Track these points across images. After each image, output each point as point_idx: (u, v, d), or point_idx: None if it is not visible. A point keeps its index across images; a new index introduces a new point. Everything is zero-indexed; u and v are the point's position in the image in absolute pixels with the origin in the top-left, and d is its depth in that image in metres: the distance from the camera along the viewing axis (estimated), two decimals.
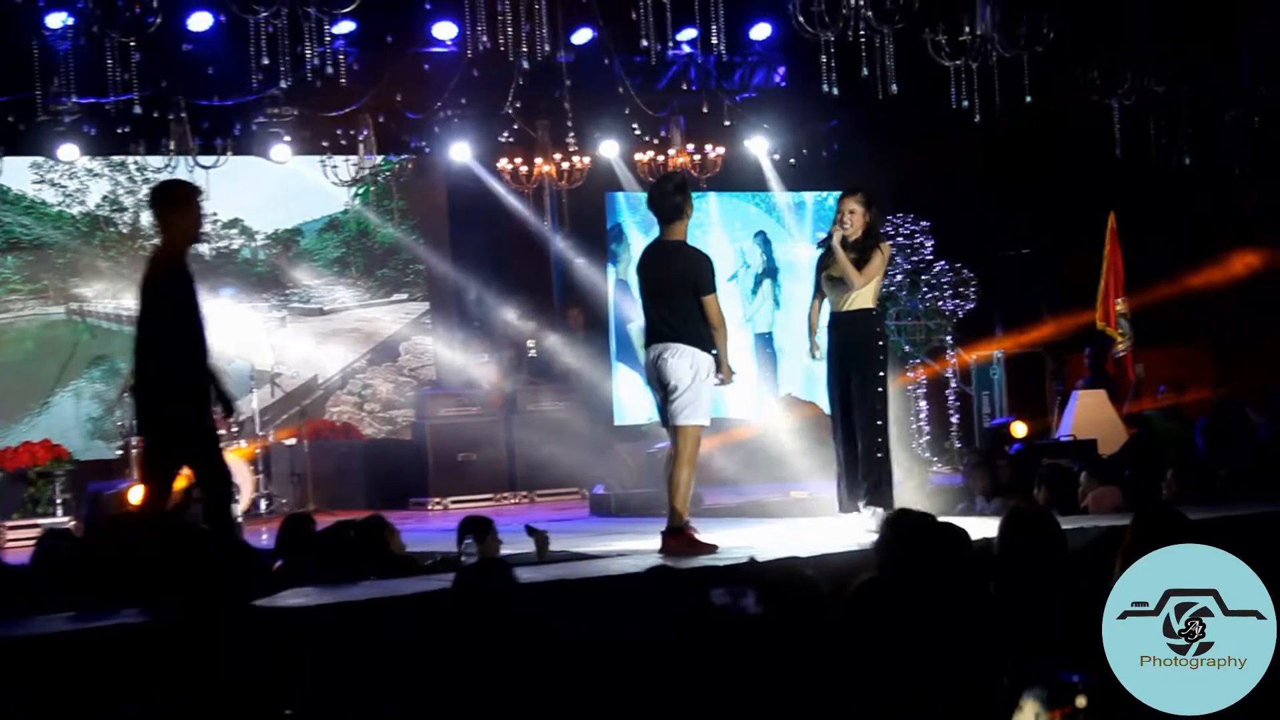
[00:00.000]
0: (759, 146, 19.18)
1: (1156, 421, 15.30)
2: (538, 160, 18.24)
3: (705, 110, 18.22)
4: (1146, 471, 10.54)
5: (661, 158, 18.64)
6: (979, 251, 18.01)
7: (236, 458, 15.54)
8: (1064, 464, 11.51)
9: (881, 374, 9.54)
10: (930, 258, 17.48)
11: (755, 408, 18.50)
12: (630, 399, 18.67)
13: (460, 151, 18.08)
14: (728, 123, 18.49)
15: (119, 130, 15.82)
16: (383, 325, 19.29)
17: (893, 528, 5.76)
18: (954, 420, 17.61)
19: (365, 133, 17.36)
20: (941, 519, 6.11)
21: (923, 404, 17.45)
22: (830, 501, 10.28)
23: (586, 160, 18.27)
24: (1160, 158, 17.42)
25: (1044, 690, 4.04)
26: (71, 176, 17.34)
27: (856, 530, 9.35)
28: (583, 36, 16.22)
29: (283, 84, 14.53)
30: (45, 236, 17.64)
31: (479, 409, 17.05)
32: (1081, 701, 3.94)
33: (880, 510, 9.26)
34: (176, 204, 7.44)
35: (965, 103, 16.02)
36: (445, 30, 15.62)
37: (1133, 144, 17.31)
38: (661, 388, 8.95)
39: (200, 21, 15.01)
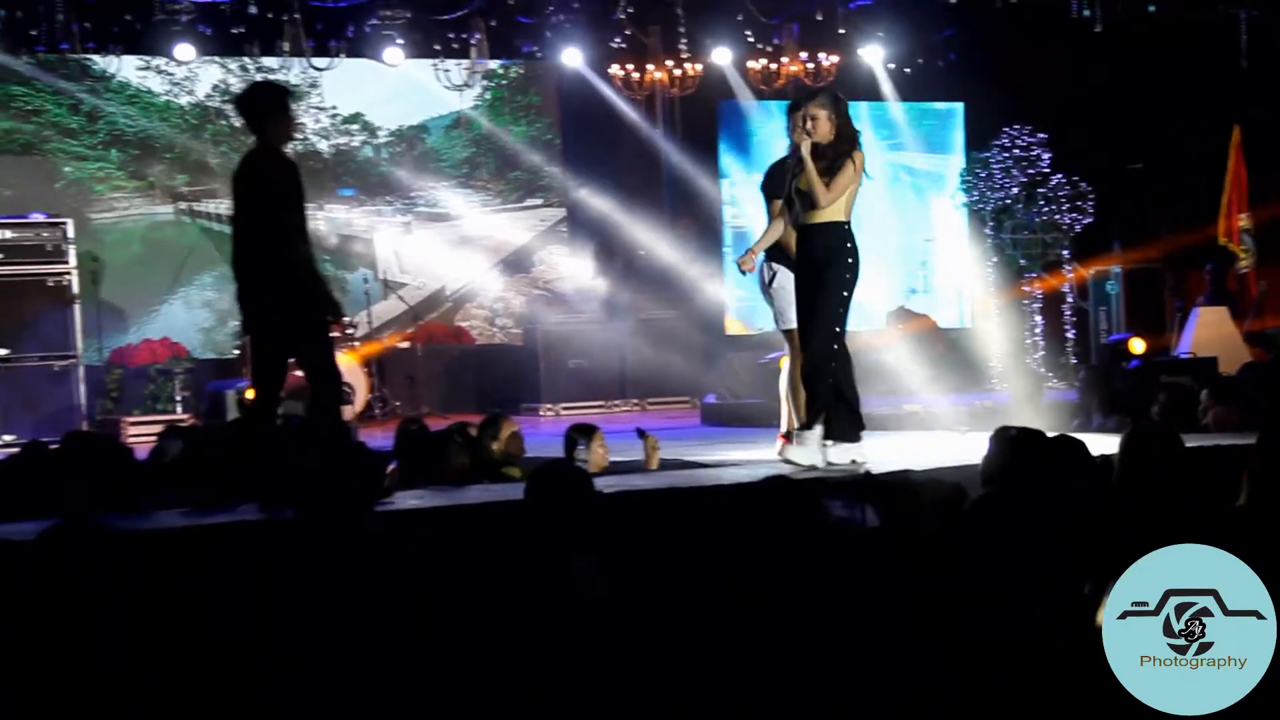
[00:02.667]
0: (873, 55, 18.90)
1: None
2: (649, 66, 18.11)
3: (819, 17, 17.98)
4: (1270, 390, 10.32)
5: (774, 65, 18.44)
6: (1098, 164, 17.69)
7: (350, 360, 15.68)
8: (1183, 381, 11.32)
9: (845, 293, 8.42)
10: (1047, 170, 17.18)
11: (864, 319, 18.37)
12: (742, 308, 18.55)
13: (572, 57, 17.97)
14: (842, 30, 18.23)
15: (234, 30, 15.90)
16: (514, 234, 18.97)
17: (1004, 444, 5.68)
18: (1070, 336, 17.39)
19: (477, 36, 17.32)
20: (1057, 433, 6.05)
21: (1038, 319, 17.24)
22: (942, 415, 10.17)
23: (699, 67, 18.12)
24: None
25: None
26: (179, 64, 17.16)
27: (967, 445, 9.18)
28: None
29: None
30: (151, 129, 17.38)
31: (591, 316, 17.07)
32: None
33: (848, 445, 8.52)
34: (273, 108, 7.40)
35: (1086, 12, 15.70)
36: None
37: (1259, 55, 16.90)
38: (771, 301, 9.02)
39: None
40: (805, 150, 8.36)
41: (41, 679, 3.72)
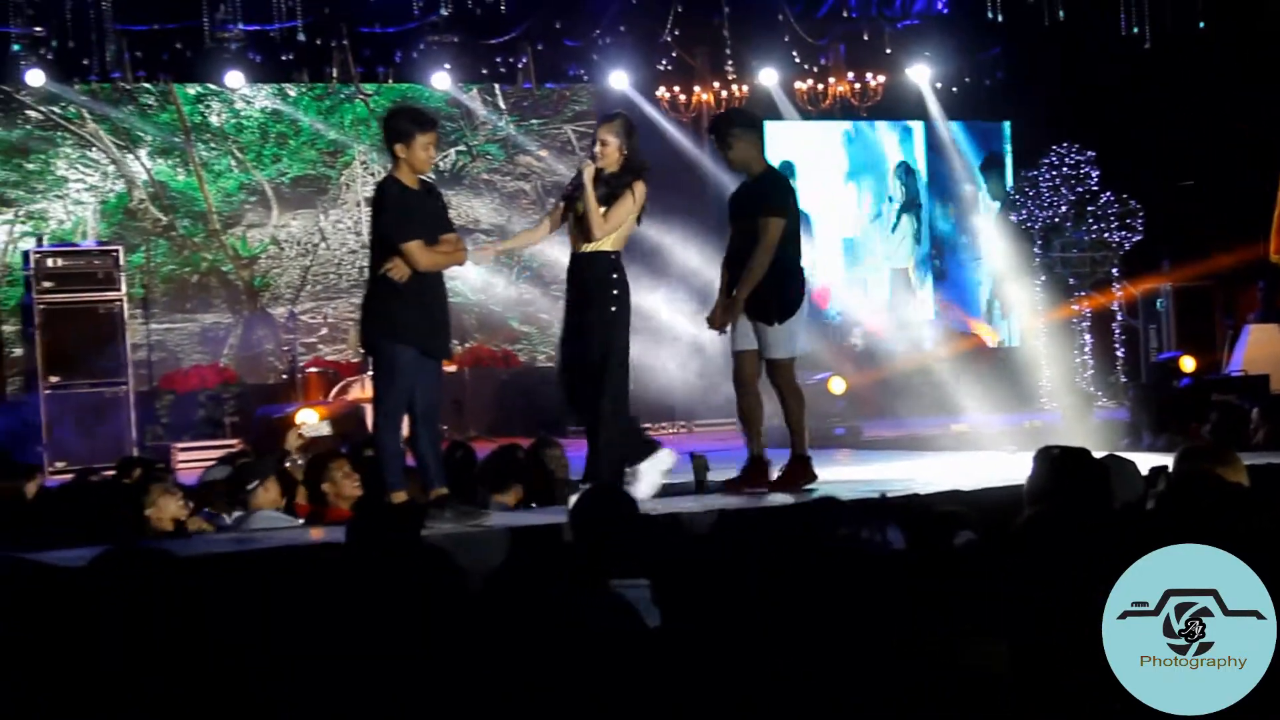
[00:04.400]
0: (920, 75, 18.89)
1: None
2: (696, 88, 18.14)
3: (866, 38, 18.01)
4: None
5: (821, 86, 18.45)
6: (1147, 182, 17.60)
7: None
8: (1234, 400, 11.24)
9: (623, 329, 8.14)
10: (1096, 188, 17.10)
11: (905, 340, 18.32)
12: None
13: (618, 79, 18.02)
14: (889, 50, 18.25)
15: (283, 57, 16.04)
16: (560, 255, 18.86)
17: (1048, 463, 5.64)
18: (1120, 354, 17.29)
19: (524, 60, 17.41)
20: (1106, 453, 6.01)
21: (1087, 337, 17.15)
22: (991, 434, 10.11)
23: (745, 89, 18.13)
24: None
25: None
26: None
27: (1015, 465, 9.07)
28: None
29: (443, 11, 14.64)
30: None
31: (639, 338, 17.03)
32: None
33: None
34: (399, 136, 7.43)
35: (1135, 29, 15.65)
36: None
37: None
38: None
39: None
40: (587, 176, 8.05)
41: (91, 699, 3.75)
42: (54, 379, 14.57)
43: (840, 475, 8.88)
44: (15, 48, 15.21)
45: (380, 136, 7.65)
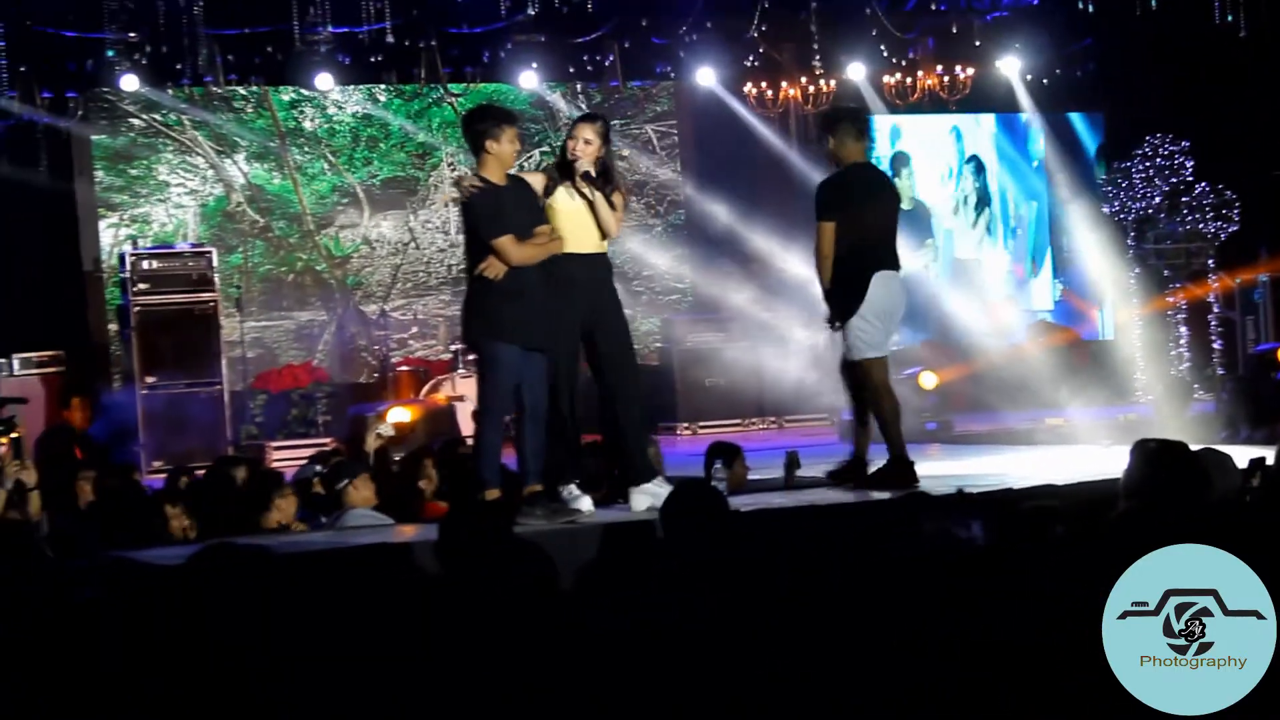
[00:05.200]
0: (1010, 66, 18.73)
1: None
2: (783, 84, 18.09)
3: (955, 30, 17.88)
4: None
5: (909, 80, 18.34)
6: (1243, 172, 17.34)
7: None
8: None
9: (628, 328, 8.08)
10: (1190, 179, 16.88)
11: (998, 333, 18.21)
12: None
13: (705, 76, 18.01)
14: (978, 43, 18.13)
15: (372, 59, 16.19)
16: (648, 254, 18.99)
17: (1145, 457, 5.59)
18: (1216, 346, 17.06)
19: (611, 58, 17.45)
20: (1202, 446, 5.95)
21: (1182, 330, 16.93)
22: (1085, 428, 10.01)
23: (832, 84, 18.07)
24: None
25: None
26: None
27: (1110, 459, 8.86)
28: None
29: (530, 11, 14.71)
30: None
31: (728, 334, 17.06)
32: None
33: (662, 478, 7.89)
34: (481, 134, 7.47)
35: (1229, 17, 15.46)
36: None
37: None
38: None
39: None
40: (595, 173, 7.75)
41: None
42: (150, 379, 14.76)
43: (931, 470, 8.80)
44: (109, 53, 15.45)
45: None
